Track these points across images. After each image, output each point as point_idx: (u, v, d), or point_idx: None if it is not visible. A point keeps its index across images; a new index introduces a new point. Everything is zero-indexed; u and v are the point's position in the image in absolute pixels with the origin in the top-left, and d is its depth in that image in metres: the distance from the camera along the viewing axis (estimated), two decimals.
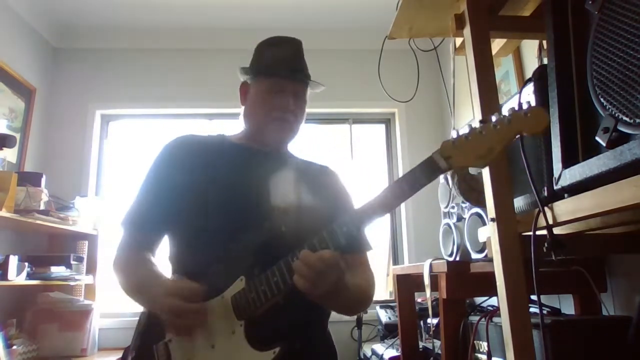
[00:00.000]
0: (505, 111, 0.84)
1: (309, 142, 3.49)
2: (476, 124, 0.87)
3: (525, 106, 0.82)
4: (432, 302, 1.83)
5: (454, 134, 0.89)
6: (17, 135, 2.97)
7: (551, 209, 0.94)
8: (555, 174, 0.93)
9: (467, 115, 2.71)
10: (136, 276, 1.15)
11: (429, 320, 2.13)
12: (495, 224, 1.03)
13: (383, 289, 3.24)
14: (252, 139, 1.28)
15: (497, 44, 1.55)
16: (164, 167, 1.23)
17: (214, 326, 1.03)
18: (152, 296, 1.05)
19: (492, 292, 1.06)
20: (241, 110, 1.31)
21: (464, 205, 1.75)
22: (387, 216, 3.50)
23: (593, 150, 0.84)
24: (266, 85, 1.24)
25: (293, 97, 1.23)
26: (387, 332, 2.68)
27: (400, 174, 3.49)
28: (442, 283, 1.57)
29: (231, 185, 1.17)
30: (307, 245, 0.95)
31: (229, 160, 1.23)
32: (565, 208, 0.90)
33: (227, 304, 1.03)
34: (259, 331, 1.01)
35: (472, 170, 1.39)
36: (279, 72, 1.23)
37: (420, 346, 2.18)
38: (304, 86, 1.27)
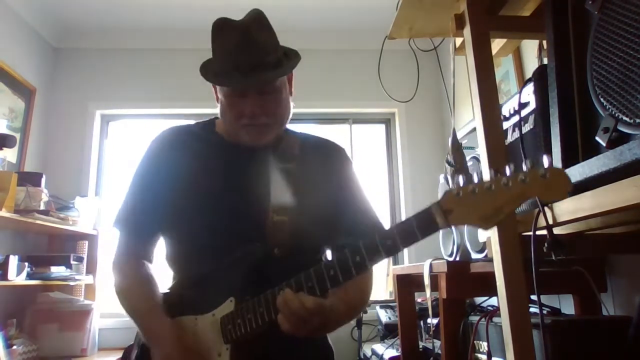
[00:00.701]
0: (523, 166, 0.73)
1: None
2: (486, 176, 0.77)
3: (545, 164, 0.71)
4: (432, 302, 1.83)
5: (460, 182, 0.77)
6: (17, 135, 2.98)
7: (551, 209, 0.94)
8: None
9: (467, 115, 2.71)
10: (131, 301, 1.10)
11: (429, 320, 2.13)
12: None
13: (383, 289, 3.24)
14: (237, 138, 1.15)
15: (497, 44, 1.55)
16: (152, 165, 1.17)
17: (203, 345, 1.01)
18: (148, 338, 1.04)
19: (492, 292, 1.06)
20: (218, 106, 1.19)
21: None
22: (387, 216, 3.50)
23: (593, 150, 0.84)
24: (225, 91, 1.10)
25: (260, 95, 1.07)
26: (387, 332, 2.68)
27: (401, 174, 3.51)
28: (442, 283, 1.57)
29: (223, 192, 1.10)
30: (294, 281, 0.91)
31: (220, 162, 1.14)
32: (565, 208, 0.90)
33: (216, 324, 1.00)
34: (243, 357, 0.98)
35: (472, 170, 1.39)
36: (228, 79, 1.07)
37: (420, 346, 2.18)
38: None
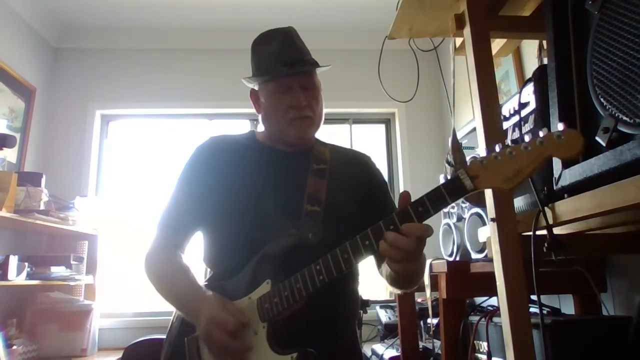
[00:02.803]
0: (540, 133, 0.80)
1: None
2: (507, 143, 0.84)
3: (560, 127, 0.79)
4: (432, 302, 1.83)
5: (483, 153, 0.86)
6: (17, 135, 2.97)
7: (551, 209, 0.94)
8: (555, 174, 0.93)
9: (467, 116, 2.71)
10: (174, 285, 1.16)
11: (429, 320, 2.13)
12: (495, 224, 1.03)
13: (383, 288, 3.24)
14: (279, 140, 1.26)
15: (497, 44, 1.55)
16: (196, 170, 1.25)
17: None
18: (193, 313, 1.08)
19: (492, 292, 1.06)
20: (259, 117, 1.29)
21: (464, 205, 1.75)
22: None
23: (593, 150, 0.84)
24: (271, 89, 1.21)
25: (302, 91, 1.19)
26: (387, 332, 2.68)
27: (401, 174, 3.50)
28: (442, 283, 1.57)
29: (261, 191, 1.17)
30: (330, 258, 0.96)
31: (259, 164, 1.23)
32: (565, 208, 0.90)
33: (253, 305, 1.06)
34: (279, 335, 1.03)
35: None
36: (277, 72, 1.19)
37: (420, 346, 2.18)
38: (309, 73, 1.22)
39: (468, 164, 0.86)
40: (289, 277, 1.02)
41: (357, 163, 1.32)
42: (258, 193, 1.17)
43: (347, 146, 1.41)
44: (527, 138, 0.81)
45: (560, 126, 0.78)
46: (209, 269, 1.24)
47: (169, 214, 1.23)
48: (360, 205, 1.21)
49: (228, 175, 1.20)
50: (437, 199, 0.87)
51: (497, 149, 0.83)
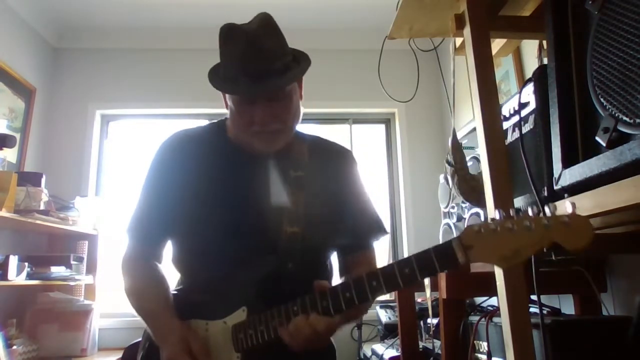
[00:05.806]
0: (547, 210, 0.74)
1: None
2: (502, 215, 0.76)
3: (569, 209, 0.71)
4: (432, 302, 1.83)
5: (481, 218, 0.83)
6: (17, 135, 2.97)
7: (551, 209, 0.94)
8: (555, 174, 0.93)
9: (467, 116, 2.71)
10: (142, 300, 1.10)
11: (429, 320, 2.13)
12: None
13: None
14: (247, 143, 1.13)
15: (497, 44, 1.55)
16: (162, 171, 1.16)
17: (214, 352, 1.02)
18: (159, 336, 1.04)
19: (492, 292, 1.06)
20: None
21: (464, 205, 1.75)
22: (387, 216, 3.50)
23: (593, 150, 0.84)
24: (235, 99, 1.08)
25: (269, 102, 1.05)
26: (387, 332, 2.68)
27: (401, 174, 3.51)
28: (442, 283, 1.57)
29: (236, 198, 1.10)
30: (309, 300, 0.92)
31: (230, 166, 1.13)
32: (565, 208, 0.90)
33: (227, 331, 1.01)
34: None
35: (472, 170, 1.40)
36: (237, 87, 1.05)
37: (420, 346, 2.18)
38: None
39: (463, 231, 0.78)
40: (265, 306, 0.97)
41: (337, 161, 1.22)
42: (232, 200, 1.09)
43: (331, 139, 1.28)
44: (530, 212, 0.73)
45: (569, 208, 0.71)
46: (179, 274, 1.18)
47: (138, 221, 1.16)
48: (338, 215, 1.15)
49: (197, 177, 1.11)
50: (426, 265, 0.82)
51: (498, 216, 0.76)
